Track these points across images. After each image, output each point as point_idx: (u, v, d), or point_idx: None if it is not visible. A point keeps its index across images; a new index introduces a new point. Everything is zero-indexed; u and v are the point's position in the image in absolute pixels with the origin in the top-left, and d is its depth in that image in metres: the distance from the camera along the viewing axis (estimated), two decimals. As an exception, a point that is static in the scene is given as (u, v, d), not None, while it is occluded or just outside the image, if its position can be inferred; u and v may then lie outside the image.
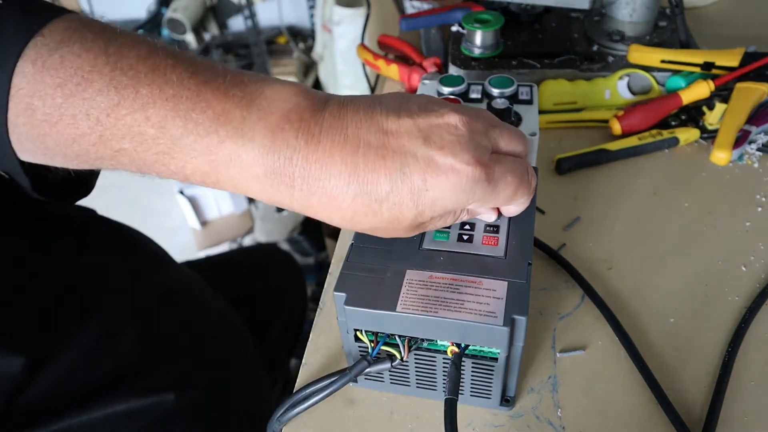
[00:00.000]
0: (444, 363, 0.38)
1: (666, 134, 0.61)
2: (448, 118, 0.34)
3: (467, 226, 0.40)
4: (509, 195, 0.36)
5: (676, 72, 0.65)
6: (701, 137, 0.61)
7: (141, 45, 0.32)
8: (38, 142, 0.32)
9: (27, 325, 0.55)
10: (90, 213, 0.69)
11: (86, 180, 0.43)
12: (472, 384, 0.39)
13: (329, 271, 0.51)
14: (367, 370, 0.37)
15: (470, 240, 0.39)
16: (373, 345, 0.37)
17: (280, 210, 1.68)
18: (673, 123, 0.62)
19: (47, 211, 0.37)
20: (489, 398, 0.40)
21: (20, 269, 0.55)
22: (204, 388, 0.66)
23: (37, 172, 0.37)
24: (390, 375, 0.40)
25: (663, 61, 0.64)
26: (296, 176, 0.32)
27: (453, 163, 0.32)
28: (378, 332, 0.37)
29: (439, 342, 0.37)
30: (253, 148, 0.31)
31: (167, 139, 0.31)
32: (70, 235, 0.63)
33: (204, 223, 1.75)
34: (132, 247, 0.72)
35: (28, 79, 0.30)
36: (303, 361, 0.45)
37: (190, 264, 0.94)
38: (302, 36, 2.20)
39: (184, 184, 1.64)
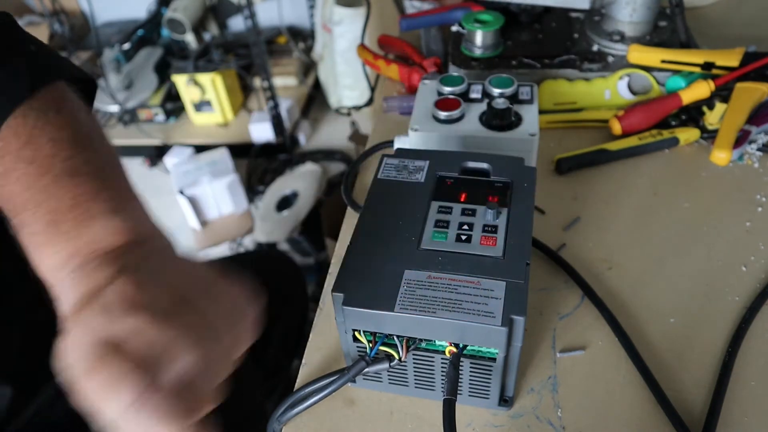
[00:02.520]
0: (442, 363, 0.38)
1: (666, 134, 0.60)
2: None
3: (465, 227, 0.39)
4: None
5: (676, 72, 0.65)
6: (701, 137, 0.61)
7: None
8: None
9: (14, 356, 0.54)
10: None
11: None
12: (470, 384, 0.39)
13: (329, 271, 0.51)
14: (366, 370, 0.37)
15: (468, 240, 0.39)
16: (371, 345, 0.37)
17: (280, 210, 1.68)
18: (673, 123, 0.62)
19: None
20: (487, 398, 0.40)
21: (6, 296, 0.55)
22: None
23: None
24: (389, 375, 0.40)
25: (663, 61, 0.64)
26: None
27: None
28: (376, 332, 0.37)
29: (437, 342, 0.37)
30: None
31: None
32: None
33: (204, 223, 1.75)
34: None
35: None
36: (303, 361, 0.45)
37: None
38: (302, 36, 2.20)
39: (185, 184, 1.65)
